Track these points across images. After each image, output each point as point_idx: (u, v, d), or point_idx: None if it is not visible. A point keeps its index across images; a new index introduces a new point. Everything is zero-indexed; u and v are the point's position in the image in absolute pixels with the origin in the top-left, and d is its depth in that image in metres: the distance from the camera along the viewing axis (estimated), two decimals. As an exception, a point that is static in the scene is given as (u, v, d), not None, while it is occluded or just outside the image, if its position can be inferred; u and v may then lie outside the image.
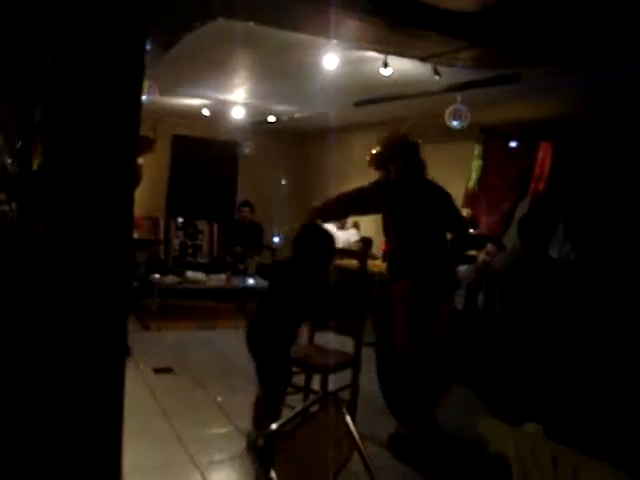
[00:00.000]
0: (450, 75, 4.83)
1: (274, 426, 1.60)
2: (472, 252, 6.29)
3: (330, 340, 4.57)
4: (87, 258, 1.62)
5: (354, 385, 4.27)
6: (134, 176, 1.74)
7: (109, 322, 1.64)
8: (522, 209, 6.22)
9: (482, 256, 5.82)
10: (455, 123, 5.41)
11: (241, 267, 8.24)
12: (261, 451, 1.53)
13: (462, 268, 6.02)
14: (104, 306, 1.63)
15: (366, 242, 7.27)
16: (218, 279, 7.88)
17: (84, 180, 1.59)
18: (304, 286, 3.73)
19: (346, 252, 5.88)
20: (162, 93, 6.11)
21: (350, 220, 8.17)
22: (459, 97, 5.38)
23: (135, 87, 1.66)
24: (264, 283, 7.91)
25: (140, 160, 5.34)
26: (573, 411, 3.75)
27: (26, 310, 1.55)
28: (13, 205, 1.82)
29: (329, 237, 3.91)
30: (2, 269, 1.60)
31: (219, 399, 4.78)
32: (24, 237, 1.63)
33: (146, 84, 5.48)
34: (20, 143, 1.77)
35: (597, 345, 4.27)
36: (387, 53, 4.45)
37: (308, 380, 4.46)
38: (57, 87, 1.53)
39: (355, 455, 2.05)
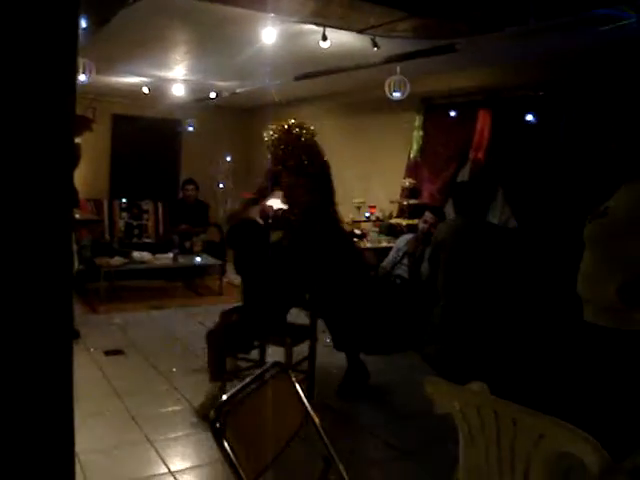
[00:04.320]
0: (388, 47, 4.86)
1: (224, 397, 1.64)
2: (414, 221, 6.40)
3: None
4: (27, 240, 1.60)
5: (311, 357, 4.33)
6: (73, 155, 1.71)
7: (52, 305, 1.63)
8: (462, 177, 6.34)
9: (421, 224, 5.93)
10: (395, 94, 5.45)
11: (187, 245, 8.20)
12: (212, 423, 1.56)
13: (405, 237, 6.13)
14: (47, 289, 1.62)
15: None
16: (165, 258, 7.83)
17: (20, 160, 1.56)
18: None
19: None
20: (99, 72, 5.99)
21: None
22: (398, 68, 5.42)
23: (69, 64, 1.62)
24: (210, 260, 7.91)
25: (78, 140, 5.25)
26: (516, 368, 3.89)
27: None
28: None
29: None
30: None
31: (174, 370, 4.83)
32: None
33: (82, 62, 5.36)
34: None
35: (536, 305, 4.43)
36: (325, 26, 4.45)
37: (263, 353, 4.53)
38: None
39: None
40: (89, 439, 3.49)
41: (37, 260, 1.56)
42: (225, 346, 4.12)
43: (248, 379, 1.80)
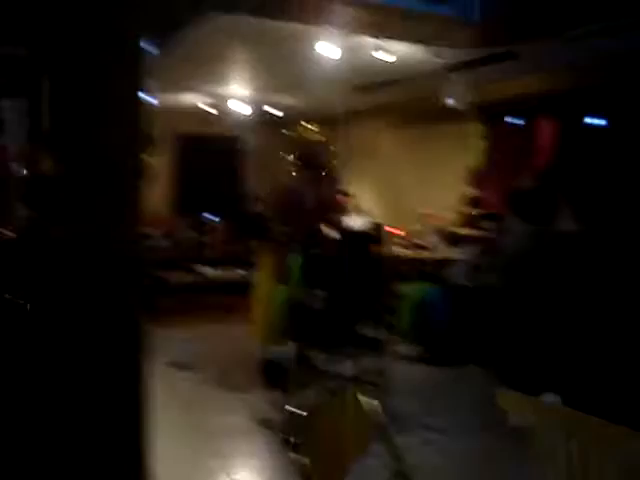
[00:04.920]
0: (449, 56, 4.83)
1: (302, 412, 1.64)
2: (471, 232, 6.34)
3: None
4: (102, 256, 1.64)
5: (381, 369, 4.28)
6: (142, 175, 1.77)
7: (125, 320, 1.67)
8: (526, 185, 6.22)
9: (481, 234, 5.90)
10: (456, 103, 5.41)
11: (253, 260, 8.25)
12: (287, 437, 1.57)
13: (468, 247, 6.06)
14: (120, 303, 1.66)
15: (377, 227, 7.27)
16: (232, 273, 7.92)
17: (95, 181, 1.62)
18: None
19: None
20: (163, 92, 6.13)
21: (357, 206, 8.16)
22: (459, 77, 5.37)
23: (136, 88, 1.69)
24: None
25: (149, 159, 5.39)
26: (589, 379, 3.78)
27: (44, 311, 1.59)
28: (26, 210, 1.86)
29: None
30: (20, 271, 1.64)
31: (242, 384, 4.87)
32: (40, 240, 1.66)
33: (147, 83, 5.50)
34: (28, 148, 1.80)
35: (608, 314, 4.30)
36: (384, 37, 4.46)
37: (335, 365, 4.50)
38: (61, 92, 1.56)
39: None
40: (159, 453, 3.53)
41: (111, 277, 1.60)
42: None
43: (322, 394, 1.80)
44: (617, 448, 1.85)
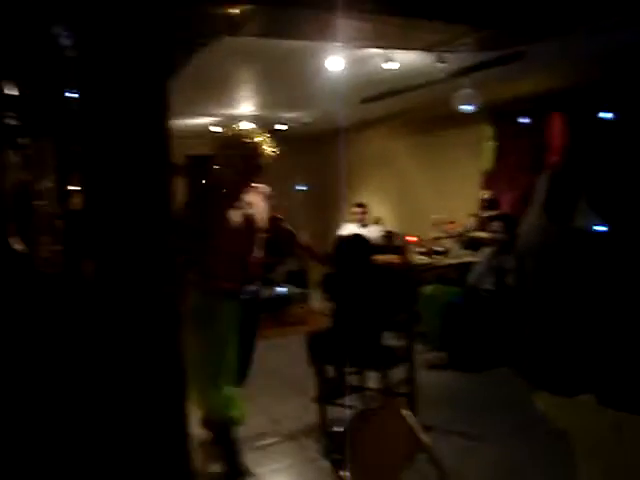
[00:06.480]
0: (455, 61, 4.84)
1: (341, 428, 1.64)
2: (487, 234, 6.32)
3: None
4: (138, 288, 1.65)
5: (411, 379, 4.25)
6: (171, 202, 1.78)
7: (165, 358, 1.68)
8: (541, 183, 6.19)
9: (490, 236, 5.91)
10: (465, 107, 5.41)
11: (270, 276, 8.26)
12: (331, 453, 1.57)
13: (487, 250, 6.03)
14: (158, 340, 1.67)
15: (391, 236, 7.28)
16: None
17: (126, 213, 1.63)
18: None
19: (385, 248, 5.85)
20: (175, 116, 6.18)
21: (372, 216, 8.17)
22: (466, 81, 5.38)
23: (163, 116, 1.70)
24: (295, 290, 7.90)
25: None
26: (623, 377, 3.73)
27: (80, 349, 1.60)
28: (57, 246, 1.87)
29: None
30: (53, 309, 1.65)
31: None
32: (72, 277, 1.67)
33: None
34: (55, 182, 1.81)
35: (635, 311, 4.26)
36: (390, 48, 4.48)
37: (362, 378, 4.46)
38: (90, 123, 1.58)
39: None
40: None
41: (148, 304, 1.61)
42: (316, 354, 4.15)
43: (359, 409, 1.80)
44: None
